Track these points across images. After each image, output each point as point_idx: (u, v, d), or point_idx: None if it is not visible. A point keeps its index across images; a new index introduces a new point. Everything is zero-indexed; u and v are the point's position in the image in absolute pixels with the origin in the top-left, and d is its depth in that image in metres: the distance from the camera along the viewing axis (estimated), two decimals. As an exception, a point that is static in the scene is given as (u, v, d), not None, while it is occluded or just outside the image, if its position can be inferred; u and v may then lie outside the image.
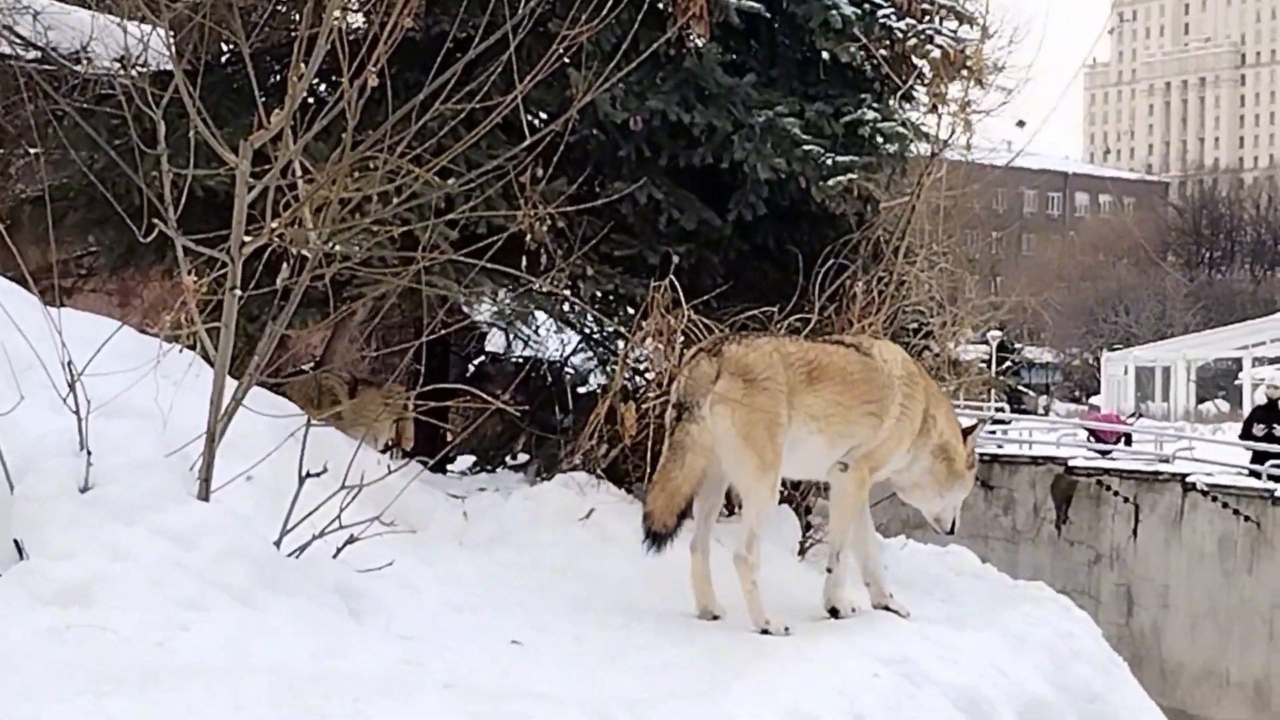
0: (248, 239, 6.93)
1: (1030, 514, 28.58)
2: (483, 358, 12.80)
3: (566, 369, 11.89)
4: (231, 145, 7.09)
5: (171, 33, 7.19)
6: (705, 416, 8.21)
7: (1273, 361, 55.57)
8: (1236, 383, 72.13)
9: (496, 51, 7.80)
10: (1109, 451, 31.98)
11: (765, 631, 8.14)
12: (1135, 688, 9.54)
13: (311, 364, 13.79)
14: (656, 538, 8.30)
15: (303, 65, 7.02)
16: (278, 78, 9.59)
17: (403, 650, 6.86)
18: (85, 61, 13.69)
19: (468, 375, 12.18)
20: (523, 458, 11.48)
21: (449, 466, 11.33)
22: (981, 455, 26.61)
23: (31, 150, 13.15)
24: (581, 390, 11.60)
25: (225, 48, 10.48)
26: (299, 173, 7.26)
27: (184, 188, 7.05)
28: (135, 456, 6.87)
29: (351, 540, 7.36)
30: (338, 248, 7.74)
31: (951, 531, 9.50)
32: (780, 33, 11.06)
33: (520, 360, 12.27)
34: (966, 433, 9.18)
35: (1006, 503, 28.94)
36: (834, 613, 8.70)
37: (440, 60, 7.60)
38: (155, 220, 6.97)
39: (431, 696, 5.99)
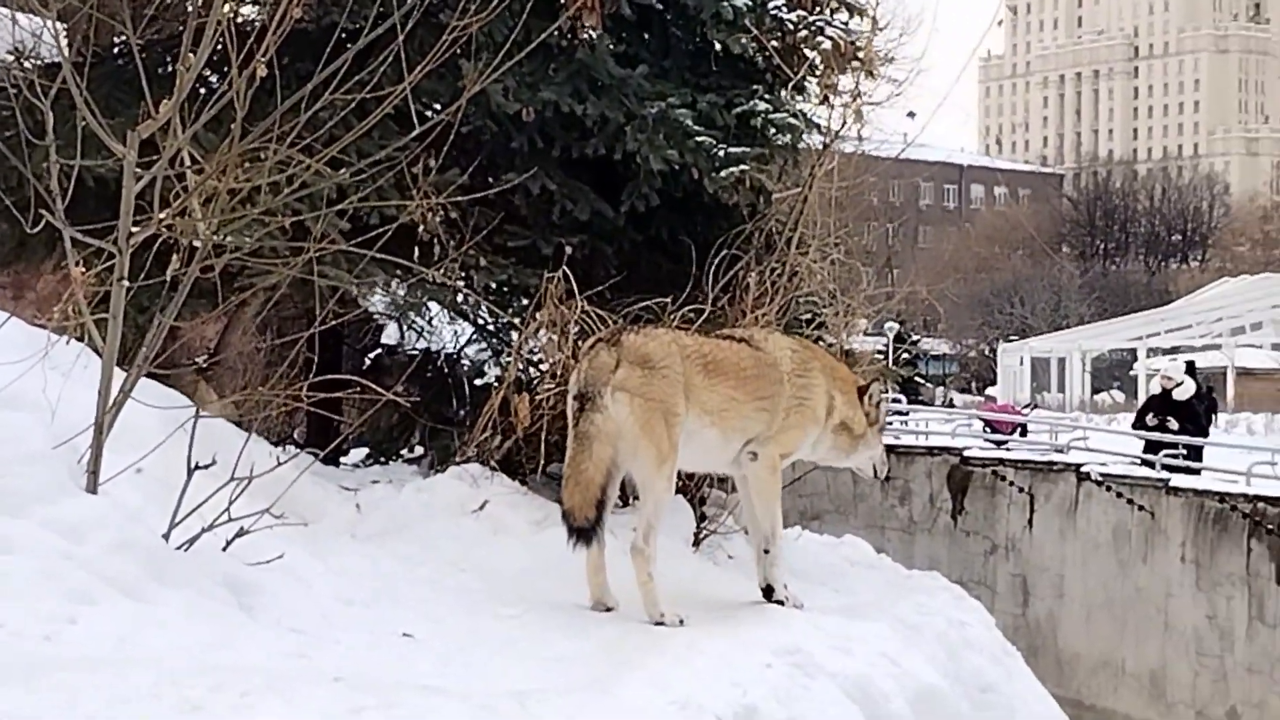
0: (135, 230, 6.91)
1: (926, 504, 28.79)
2: (379, 350, 12.76)
3: (461, 361, 11.88)
4: (122, 136, 7.06)
5: (60, 24, 7.14)
6: (607, 405, 8.25)
7: (1167, 352, 56.30)
8: (1131, 373, 72.99)
9: (388, 42, 7.81)
10: (1004, 442, 32.30)
11: (660, 623, 8.18)
12: (1028, 677, 9.63)
13: (205, 356, 13.71)
14: (580, 533, 8.33)
15: (191, 55, 7.00)
16: (169, 69, 9.54)
17: (292, 643, 6.86)
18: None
19: (364, 368, 12.15)
20: (419, 450, 11.46)
21: (342, 459, 11.31)
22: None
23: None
24: (478, 382, 11.60)
25: (116, 39, 10.41)
26: (188, 163, 7.24)
27: (72, 179, 7.01)
28: (23, 449, 6.83)
29: (242, 533, 7.35)
30: (228, 238, 7.72)
31: (878, 478, 9.64)
32: (672, 24, 11.10)
33: (416, 352, 12.24)
34: (861, 391, 9.22)
35: (903, 493, 29.14)
36: (768, 592, 8.81)
37: (331, 51, 7.60)
38: (43, 212, 6.94)
39: (319, 690, 5.98)
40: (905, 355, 46.05)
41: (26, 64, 10.23)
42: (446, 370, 11.78)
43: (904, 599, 9.74)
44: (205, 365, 11.80)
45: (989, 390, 66.81)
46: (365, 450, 11.64)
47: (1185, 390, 26.94)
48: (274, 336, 12.53)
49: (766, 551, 8.88)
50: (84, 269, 7.00)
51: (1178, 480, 23.96)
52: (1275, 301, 72.32)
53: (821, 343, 10.89)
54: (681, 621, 8.22)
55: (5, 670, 5.54)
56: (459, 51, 8.38)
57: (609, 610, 8.46)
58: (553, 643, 7.77)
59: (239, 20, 7.21)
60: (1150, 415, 26.74)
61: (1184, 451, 25.65)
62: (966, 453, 28.87)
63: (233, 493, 7.27)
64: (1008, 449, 30.49)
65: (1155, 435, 25.84)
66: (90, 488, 6.95)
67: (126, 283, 6.92)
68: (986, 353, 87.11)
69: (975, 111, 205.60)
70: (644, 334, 8.56)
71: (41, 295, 15.89)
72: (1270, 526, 21.83)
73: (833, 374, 9.11)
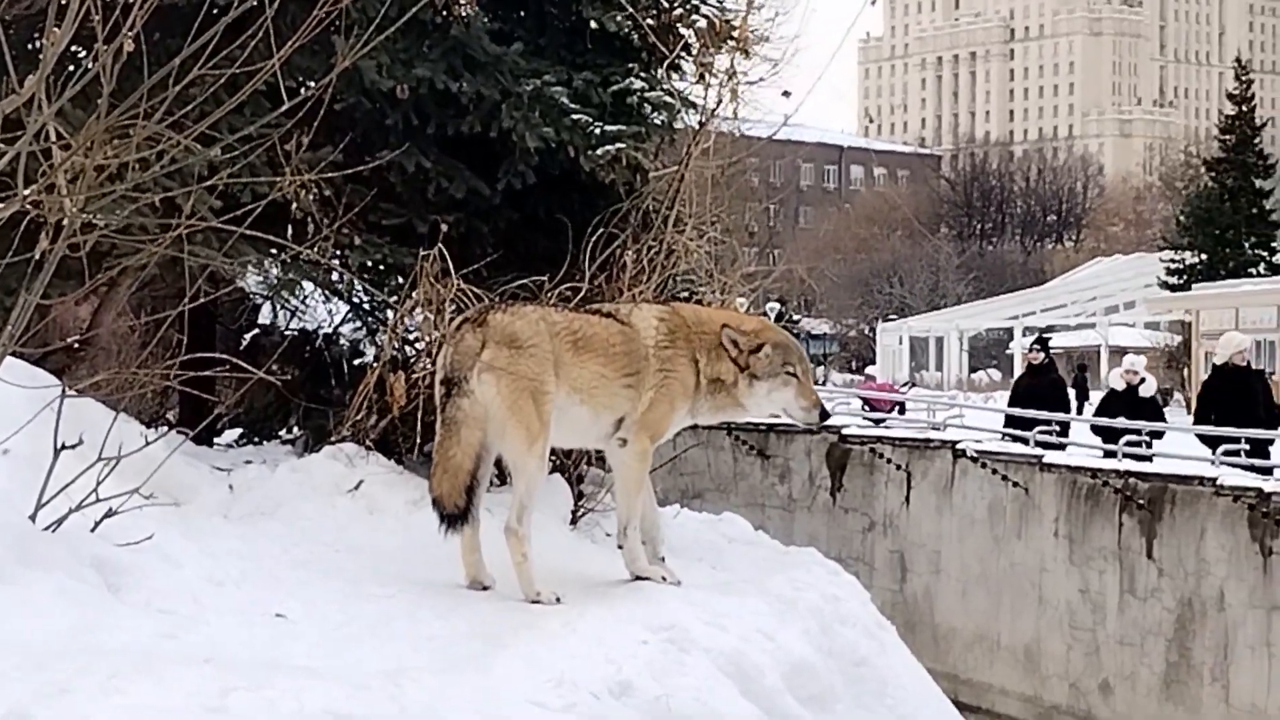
0: (-1, 206, 6.77)
1: (806, 482, 28.92)
2: (255, 330, 12.61)
3: (338, 341, 11.79)
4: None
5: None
6: (474, 389, 8.19)
7: (1043, 330, 56.78)
8: (1008, 351, 73.90)
9: (259, 16, 7.69)
10: (883, 420, 32.49)
11: (536, 601, 8.15)
12: (902, 651, 9.69)
13: (77, 336, 13.50)
14: (451, 519, 8.29)
15: (56, 30, 6.86)
16: (37, 44, 9.37)
17: (162, 625, 6.79)
18: None
19: (240, 347, 12.01)
20: (296, 431, 11.36)
21: (216, 440, 11.18)
22: (757, 425, 27.21)
23: None
24: (355, 362, 11.51)
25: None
26: (54, 139, 7.09)
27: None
28: None
29: (110, 514, 7.25)
30: (96, 216, 7.58)
31: (820, 418, 9.22)
32: (548, 2, 11.04)
33: (293, 332, 12.12)
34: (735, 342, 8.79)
35: (783, 471, 29.25)
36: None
37: (201, 24, 7.47)
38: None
39: (190, 671, 5.92)
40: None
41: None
42: (323, 350, 11.67)
43: (780, 575, 9.76)
44: (77, 345, 11.63)
45: (868, 369, 67.33)
46: (239, 431, 11.51)
47: (1149, 387, 26.43)
48: (147, 316, 12.37)
49: (621, 547, 8.80)
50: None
51: (1051, 457, 24.18)
52: (1147, 281, 73.57)
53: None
54: (558, 599, 8.19)
55: None
56: (332, 27, 8.27)
57: (485, 589, 8.41)
58: (428, 622, 7.74)
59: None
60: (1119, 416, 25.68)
61: (1057, 428, 25.78)
62: (845, 431, 29.01)
63: (101, 473, 7.16)
64: (886, 427, 30.66)
65: (1125, 426, 25.06)
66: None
67: (-5, 260, 6.78)
68: (866, 332, 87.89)
69: (855, 93, 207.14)
70: (511, 312, 8.47)
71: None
72: (1141, 501, 22.09)
73: (701, 335, 8.81)
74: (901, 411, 35.60)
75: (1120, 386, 26.53)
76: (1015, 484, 24.41)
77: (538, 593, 8.20)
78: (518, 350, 8.23)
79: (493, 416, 8.21)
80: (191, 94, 7.65)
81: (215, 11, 8.10)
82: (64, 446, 7.04)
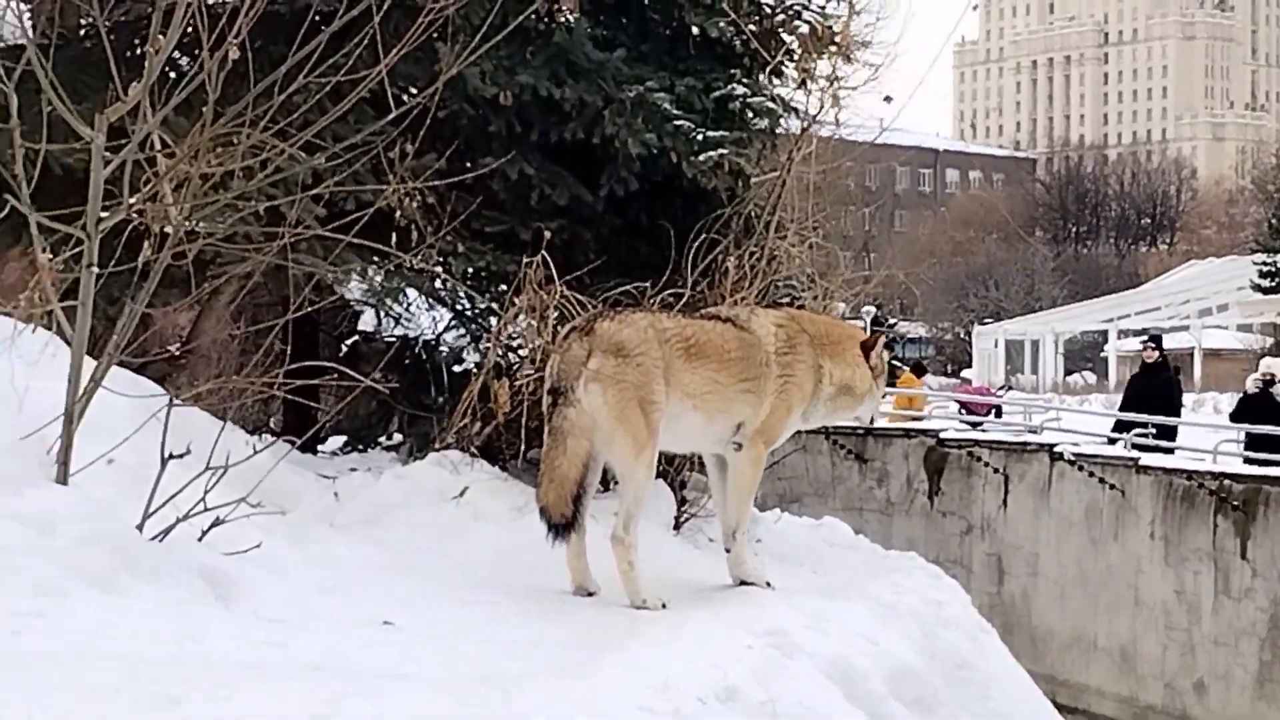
0: (104, 215, 6.68)
1: (904, 486, 28.77)
2: (355, 337, 12.55)
3: (440, 347, 11.71)
4: (90, 120, 6.83)
5: (25, 4, 6.91)
6: (580, 398, 8.05)
7: (1137, 334, 56.17)
8: (1102, 354, 73.11)
9: (363, 24, 7.60)
10: (979, 423, 32.19)
11: (641, 607, 8.04)
12: (1003, 653, 9.55)
13: (178, 344, 13.48)
14: (558, 529, 8.15)
15: (161, 37, 6.78)
16: (138, 51, 9.32)
17: (269, 633, 6.67)
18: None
19: (341, 355, 11.95)
20: (397, 438, 11.29)
21: (320, 447, 11.11)
22: (854, 429, 27.03)
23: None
24: (456, 369, 11.44)
25: (82, 21, 10.18)
26: (159, 147, 7.02)
27: (38, 164, 6.78)
28: (-11, 440, 6.61)
29: (218, 522, 7.14)
30: (200, 225, 7.50)
31: (871, 423, 9.44)
32: (650, 8, 10.94)
33: (394, 339, 12.06)
34: (867, 349, 8.91)
35: (880, 475, 29.11)
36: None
37: (305, 33, 7.38)
38: (8, 197, 6.71)
39: (298, 679, 5.81)
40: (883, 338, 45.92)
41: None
42: (424, 357, 11.60)
43: (881, 579, 9.65)
44: (178, 354, 11.59)
45: (964, 372, 66.82)
46: (343, 438, 11.44)
47: None
48: (248, 324, 12.33)
49: (728, 550, 8.68)
50: (51, 256, 6.76)
51: (1147, 459, 23.90)
52: (1240, 284, 72.66)
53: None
54: (663, 605, 8.07)
55: (-29, 666, 5.35)
56: (435, 34, 8.17)
57: (590, 595, 8.30)
58: (534, 628, 7.61)
59: (210, 1, 6.97)
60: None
61: (1154, 431, 25.40)
62: (943, 434, 28.79)
63: (208, 482, 7.05)
64: (983, 430, 30.38)
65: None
66: (60, 479, 6.73)
67: (96, 269, 6.69)
68: (961, 335, 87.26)
69: (950, 96, 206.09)
70: (619, 320, 8.31)
71: (4, 283, 15.67)
72: (1235, 503, 21.82)
73: (824, 341, 8.79)
74: (998, 415, 35.23)
75: (1254, 390, 26.14)
76: (1112, 486, 24.15)
77: (643, 599, 8.09)
78: (625, 358, 8.08)
79: (600, 426, 8.06)
80: (295, 102, 7.55)
81: (318, 19, 8.02)
82: (172, 456, 6.94)
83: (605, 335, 8.14)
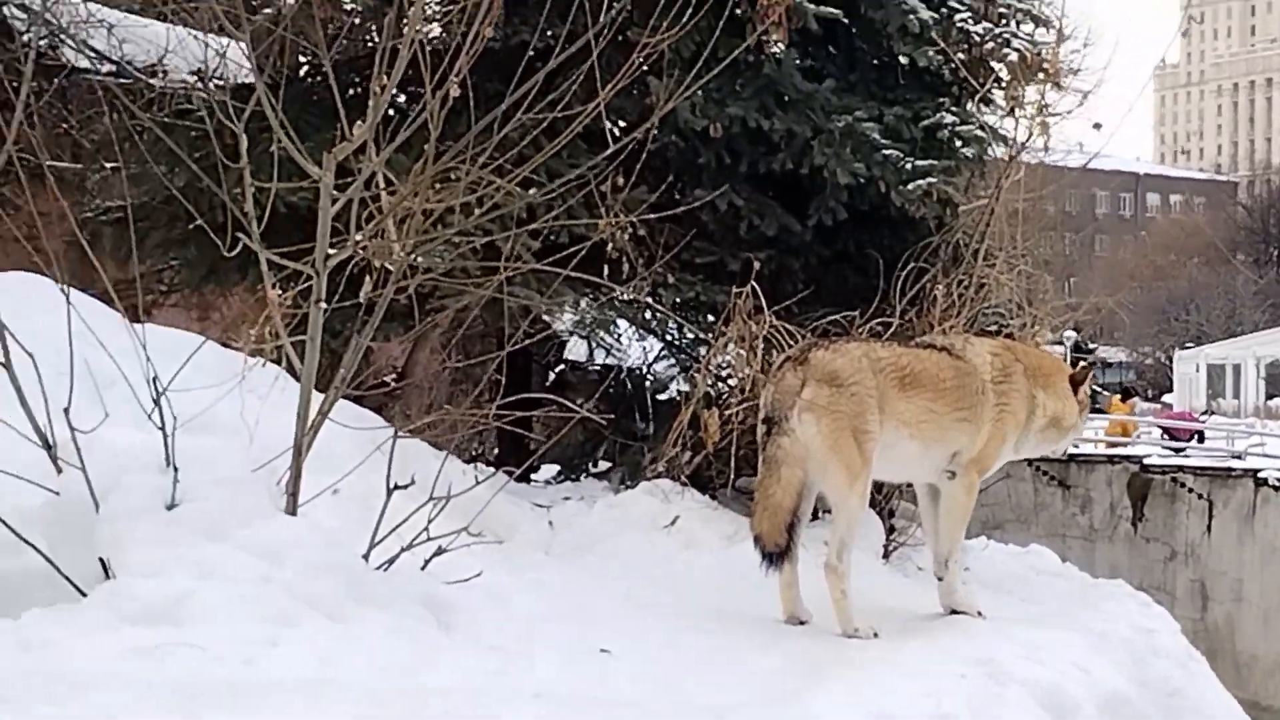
0: (332, 252, 6.78)
1: (1107, 512, 28.39)
2: (562, 366, 12.63)
3: (647, 376, 11.75)
4: (312, 158, 6.93)
5: (252, 45, 7.03)
6: (794, 428, 8.03)
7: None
8: (1307, 379, 71.40)
9: (575, 60, 7.63)
10: (1183, 449, 31.62)
11: (853, 636, 8.00)
12: (1213, 681, 9.38)
13: (393, 376, 13.65)
14: (772, 557, 8.14)
15: (384, 77, 6.86)
16: (356, 90, 9.46)
17: (492, 661, 6.70)
18: (161, 75, 13.63)
19: (548, 384, 12.03)
20: (604, 465, 11.33)
21: (532, 476, 11.18)
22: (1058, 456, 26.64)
23: (109, 165, 13.09)
24: (661, 397, 11.46)
25: (302, 60, 10.36)
26: (381, 185, 7.10)
27: (269, 203, 6.89)
28: (221, 472, 6.70)
29: (440, 552, 7.20)
30: (419, 259, 7.57)
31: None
32: (858, 38, 10.88)
33: (600, 368, 12.12)
34: (1076, 383, 8.87)
35: (1084, 501, 28.76)
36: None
37: (521, 70, 7.43)
38: (240, 235, 6.83)
39: (521, 707, 5.84)
40: (1085, 364, 45.29)
41: (211, 85, 10.20)
42: (631, 386, 11.64)
43: (1090, 607, 9.55)
44: (393, 385, 11.72)
45: (1165, 397, 65.56)
46: (554, 467, 11.50)
47: None
48: (459, 355, 12.45)
49: (940, 579, 8.60)
50: (280, 292, 6.87)
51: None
52: None
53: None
54: (875, 634, 8.03)
55: (207, 694, 5.43)
56: (647, 69, 8.18)
57: (802, 624, 8.26)
58: (747, 657, 7.57)
59: (429, 40, 7.05)
60: None
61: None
62: (1146, 460, 28.32)
63: (431, 512, 7.11)
64: (1186, 456, 29.82)
65: None
66: (289, 510, 6.82)
67: (324, 305, 6.78)
68: (1163, 360, 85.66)
69: (1151, 120, 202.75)
70: (833, 350, 8.28)
71: (227, 318, 15.96)
72: None
73: (1036, 372, 8.73)
74: (1200, 440, 34.55)
75: None
76: (1317, 511, 23.73)
77: (855, 627, 8.04)
78: (839, 388, 8.04)
79: (813, 455, 8.03)
80: (511, 138, 7.60)
81: (532, 55, 8.07)
82: (397, 486, 7.01)
83: (819, 365, 8.11)
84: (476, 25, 6.82)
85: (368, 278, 7.32)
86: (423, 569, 7.20)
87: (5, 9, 11.96)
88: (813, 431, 8.01)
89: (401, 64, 6.73)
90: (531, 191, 8.15)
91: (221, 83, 10.15)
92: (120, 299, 7.47)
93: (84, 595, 6.38)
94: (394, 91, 7.99)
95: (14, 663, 5.73)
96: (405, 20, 6.94)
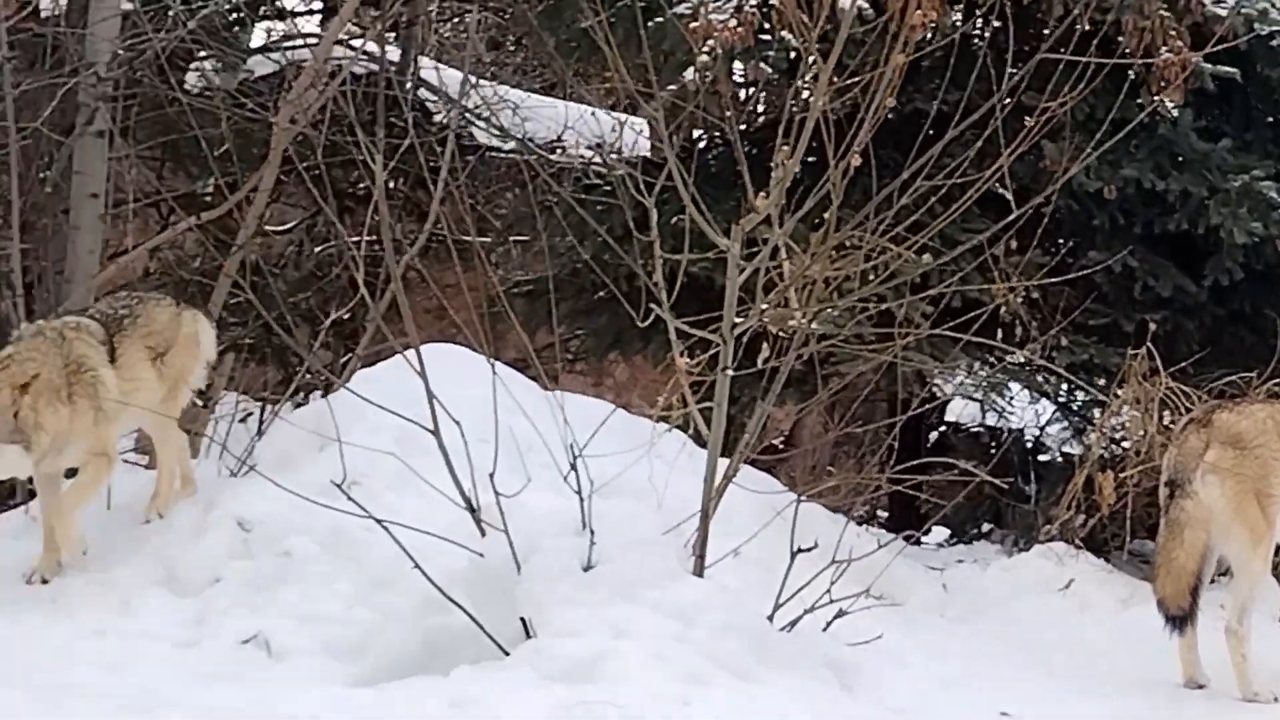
0: (738, 320, 6.86)
1: None
2: (943, 427, 12.51)
3: (1028, 437, 11.59)
4: (715, 228, 7.03)
5: (662, 119, 7.16)
6: (1198, 490, 7.87)
7: None
8: None
9: (970, 126, 7.59)
10: None
11: (1254, 700, 7.82)
12: None
13: (780, 441, 13.69)
14: (1176, 621, 8.01)
15: (786, 148, 6.92)
16: (756, 161, 9.57)
17: (897, 725, 6.68)
18: (560, 150, 14.00)
19: (928, 446, 11.93)
20: (986, 527, 11.20)
21: (923, 539, 11.10)
22: None
23: (516, 239, 13.50)
24: (1042, 458, 11.30)
25: (696, 133, 10.51)
26: (783, 253, 7.16)
27: (680, 272, 7.02)
28: (633, 535, 6.82)
29: (841, 614, 7.19)
30: (815, 326, 7.60)
31: None
32: (1254, 96, 10.59)
33: (982, 430, 11.99)
34: None
35: None
36: None
37: (922, 139, 7.44)
38: (652, 305, 6.95)
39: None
40: None
41: (610, 158, 10.46)
42: (1014, 447, 11.48)
43: None
44: (781, 447, 11.77)
45: None
46: (944, 530, 11.39)
47: None
48: (842, 418, 12.42)
49: None
50: (688, 360, 6.98)
51: None
52: None
53: None
54: (1275, 698, 7.85)
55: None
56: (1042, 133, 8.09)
57: (1201, 688, 8.05)
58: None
59: (830, 110, 7.07)
60: None
61: None
62: None
63: (834, 575, 7.10)
64: None
65: None
66: (697, 571, 6.90)
67: (730, 372, 6.86)
68: None
69: None
70: (1237, 411, 8.12)
71: (619, 383, 16.22)
72: None
73: None
74: None
75: None
76: None
77: (1255, 691, 7.85)
78: (1243, 450, 7.87)
79: (1217, 518, 7.86)
80: (907, 206, 7.59)
81: (921, 121, 8.07)
82: (800, 550, 7.02)
83: (1223, 427, 7.95)
84: (879, 95, 6.83)
85: (764, 344, 7.38)
86: (824, 630, 7.20)
87: (421, 92, 12.46)
88: (1216, 494, 7.86)
89: (805, 135, 6.79)
90: (926, 257, 8.10)
91: (617, 157, 10.37)
92: (525, 369, 7.69)
93: (507, 653, 6.55)
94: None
95: (443, 717, 5.93)
96: (808, 90, 7.00)
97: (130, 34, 10.34)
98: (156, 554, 7.66)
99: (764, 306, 6.94)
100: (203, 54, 11.77)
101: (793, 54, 9.99)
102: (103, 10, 10.21)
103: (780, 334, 7.39)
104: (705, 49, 8.93)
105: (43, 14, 10.91)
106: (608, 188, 10.16)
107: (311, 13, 14.61)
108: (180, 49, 10.82)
